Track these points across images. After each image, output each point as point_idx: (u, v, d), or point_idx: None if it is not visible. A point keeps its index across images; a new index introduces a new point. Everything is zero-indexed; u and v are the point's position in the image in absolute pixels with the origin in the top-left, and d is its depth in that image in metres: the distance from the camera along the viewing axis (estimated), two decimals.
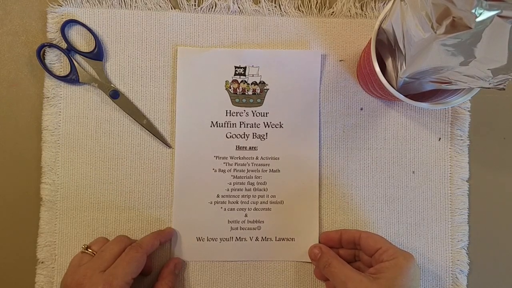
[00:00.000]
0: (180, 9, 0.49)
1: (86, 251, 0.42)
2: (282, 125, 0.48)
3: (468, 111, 0.49)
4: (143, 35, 0.48)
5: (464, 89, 0.40)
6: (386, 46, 0.40)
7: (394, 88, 0.40)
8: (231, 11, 0.49)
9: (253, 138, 0.48)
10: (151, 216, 0.48)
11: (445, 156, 0.49)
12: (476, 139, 0.50)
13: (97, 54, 0.48)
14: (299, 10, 0.49)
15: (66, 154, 0.48)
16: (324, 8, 0.49)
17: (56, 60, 0.48)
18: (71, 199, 0.47)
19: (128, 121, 0.48)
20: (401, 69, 0.38)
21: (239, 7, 0.49)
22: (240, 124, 0.48)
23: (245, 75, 0.48)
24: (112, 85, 0.48)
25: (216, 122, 0.48)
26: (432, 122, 0.49)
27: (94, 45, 0.47)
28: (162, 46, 0.49)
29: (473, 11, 0.28)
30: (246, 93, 0.48)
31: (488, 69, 0.33)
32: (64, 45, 0.48)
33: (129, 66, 0.48)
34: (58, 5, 0.48)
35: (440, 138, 0.49)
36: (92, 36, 0.47)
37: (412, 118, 0.49)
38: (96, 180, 0.48)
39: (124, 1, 0.48)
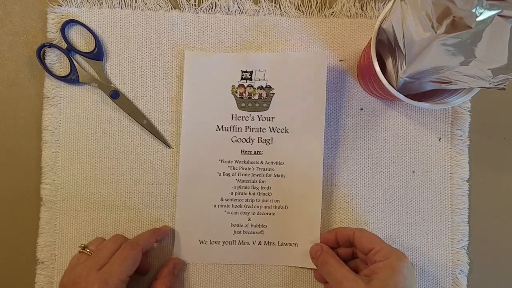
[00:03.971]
0: (180, 9, 0.49)
1: (84, 251, 0.42)
2: (288, 130, 0.48)
3: (468, 111, 0.49)
4: (143, 35, 0.48)
5: (464, 89, 0.40)
6: (386, 46, 0.40)
7: (394, 88, 0.40)
8: (231, 11, 0.49)
9: (258, 142, 0.48)
10: (151, 216, 0.48)
11: (445, 156, 0.49)
12: (476, 139, 0.50)
13: (97, 54, 0.48)
14: (299, 10, 0.49)
15: (66, 154, 0.48)
16: (324, 8, 0.49)
17: (56, 60, 0.48)
18: (71, 199, 0.47)
19: (128, 121, 0.48)
20: (401, 69, 0.38)
21: (239, 7, 0.49)
22: (246, 129, 0.48)
23: (251, 80, 0.47)
24: (112, 85, 0.48)
25: (222, 126, 0.48)
26: (432, 122, 0.49)
27: (94, 45, 0.47)
28: (162, 46, 0.48)
29: (474, 10, 0.28)
30: (252, 98, 0.47)
31: (489, 69, 0.33)
32: (64, 45, 0.48)
33: (129, 66, 0.48)
34: (58, 5, 0.48)
35: (440, 138, 0.49)
36: (92, 36, 0.47)
37: (412, 118, 0.49)
38: (96, 180, 0.48)
39: (124, 1, 0.48)
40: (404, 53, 0.37)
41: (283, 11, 0.49)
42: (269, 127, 0.48)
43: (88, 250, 0.42)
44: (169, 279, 0.44)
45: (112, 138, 0.48)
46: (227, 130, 0.48)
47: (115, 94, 0.48)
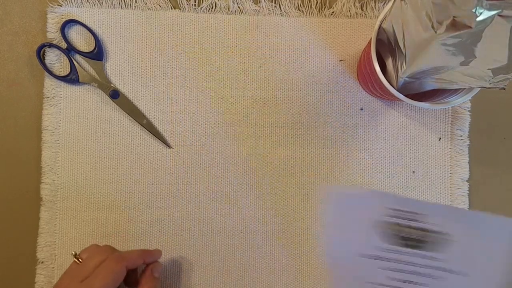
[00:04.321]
0: (180, 9, 0.49)
1: (75, 259, 0.41)
2: (467, 273, 0.35)
3: (468, 111, 0.49)
4: (143, 35, 0.48)
5: (464, 89, 0.40)
6: (386, 46, 0.40)
7: (394, 88, 0.40)
8: (231, 11, 0.49)
9: (418, 276, 0.36)
10: (151, 216, 0.48)
11: (445, 156, 0.49)
12: (476, 139, 0.50)
13: (97, 54, 0.48)
14: (299, 10, 0.49)
15: (66, 154, 0.48)
16: (324, 8, 0.49)
17: (56, 60, 0.48)
18: (71, 199, 0.47)
19: (128, 121, 0.48)
20: (401, 69, 0.38)
21: (239, 7, 0.49)
22: (397, 263, 0.37)
23: (410, 220, 0.36)
24: (112, 85, 0.48)
25: (366, 254, 0.37)
26: (432, 122, 0.49)
27: (94, 45, 0.47)
28: (162, 46, 0.48)
29: (474, 10, 0.28)
30: (411, 238, 0.36)
31: (489, 69, 0.33)
32: (64, 45, 0.48)
33: (129, 66, 0.48)
34: (58, 5, 0.48)
35: (440, 138, 0.49)
36: (92, 36, 0.47)
37: (412, 118, 0.49)
38: (96, 180, 0.48)
39: (124, 1, 0.48)
40: (404, 53, 0.37)
41: (283, 11, 0.49)
42: (436, 267, 0.36)
43: (79, 258, 0.41)
44: (150, 285, 0.42)
45: (112, 138, 0.48)
46: (373, 258, 0.37)
47: (115, 94, 0.48)
